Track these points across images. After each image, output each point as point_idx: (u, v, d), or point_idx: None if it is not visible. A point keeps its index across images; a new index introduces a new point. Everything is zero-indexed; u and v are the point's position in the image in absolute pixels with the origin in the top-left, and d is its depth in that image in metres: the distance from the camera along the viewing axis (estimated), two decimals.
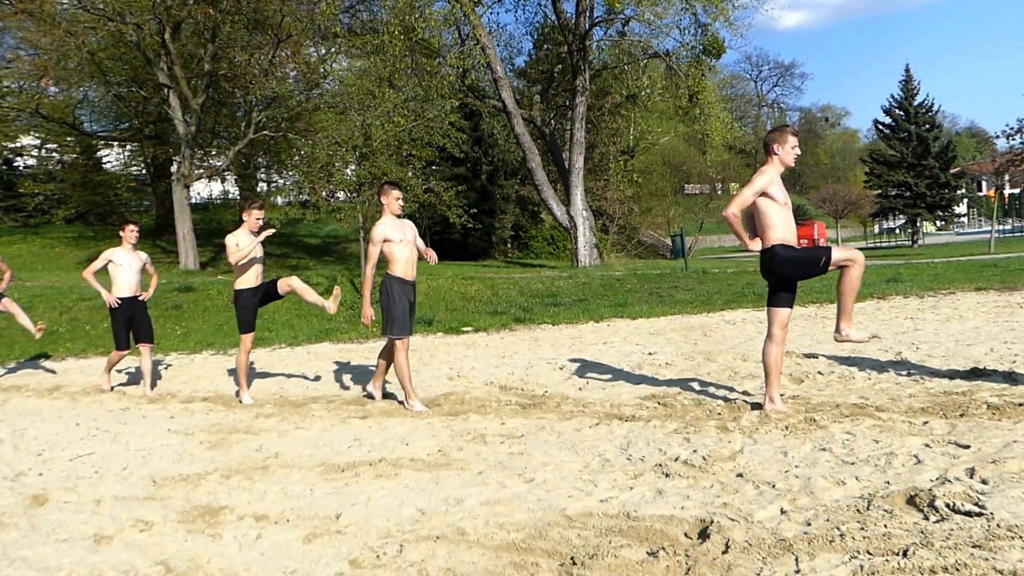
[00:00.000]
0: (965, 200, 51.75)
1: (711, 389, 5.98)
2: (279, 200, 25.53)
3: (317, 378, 7.85)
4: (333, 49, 25.23)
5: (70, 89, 26.31)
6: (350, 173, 16.87)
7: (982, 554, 2.55)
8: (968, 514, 2.93)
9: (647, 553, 2.86)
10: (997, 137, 29.24)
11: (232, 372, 8.25)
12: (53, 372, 9.43)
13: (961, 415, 4.48)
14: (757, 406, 5.15)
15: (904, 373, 5.99)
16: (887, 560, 2.58)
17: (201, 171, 24.97)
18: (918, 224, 41.76)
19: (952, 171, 42.32)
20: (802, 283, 5.40)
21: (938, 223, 46.95)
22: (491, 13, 27.24)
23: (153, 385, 7.76)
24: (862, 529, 2.88)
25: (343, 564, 2.99)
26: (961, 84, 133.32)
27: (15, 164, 33.44)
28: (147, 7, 19.93)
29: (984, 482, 3.28)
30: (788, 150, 4.89)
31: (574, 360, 7.90)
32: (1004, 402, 4.67)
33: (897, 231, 50.50)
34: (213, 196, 42.09)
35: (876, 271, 16.51)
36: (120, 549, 3.30)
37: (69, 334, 12.21)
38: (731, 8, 23.54)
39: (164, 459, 4.88)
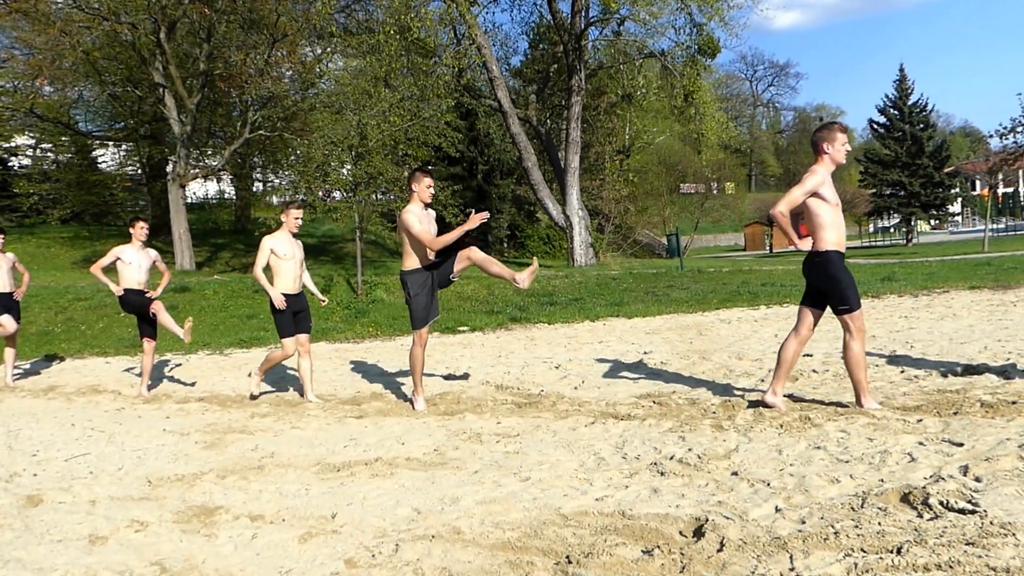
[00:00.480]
0: (959, 199, 51.85)
1: (706, 388, 5.99)
2: (275, 200, 25.48)
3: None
4: (329, 49, 25.19)
5: (65, 89, 26.22)
6: (346, 173, 16.83)
7: (975, 551, 2.56)
8: (962, 512, 2.94)
9: (642, 551, 2.87)
10: (991, 136, 29.28)
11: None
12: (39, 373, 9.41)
13: (955, 413, 4.49)
14: (753, 404, 5.16)
15: (898, 371, 6.01)
16: (881, 558, 2.59)
17: (197, 171, 24.89)
18: (912, 223, 41.82)
19: (946, 170, 42.38)
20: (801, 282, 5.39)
21: (932, 222, 46.99)
22: (487, 13, 27.21)
23: (150, 386, 7.75)
24: (856, 527, 2.89)
25: (338, 563, 2.99)
26: (955, 84, 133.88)
27: (10, 164, 33.30)
28: (142, 6, 19.87)
29: (977, 480, 3.29)
30: (838, 147, 4.77)
31: (570, 359, 7.91)
32: (998, 400, 4.69)
33: (892, 230, 50.61)
34: (209, 196, 41.99)
35: (871, 270, 16.56)
36: (115, 549, 3.29)
37: (65, 335, 12.19)
38: (726, 8, 23.61)
39: (160, 459, 4.88)
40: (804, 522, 3.01)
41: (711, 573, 2.64)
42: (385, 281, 16.22)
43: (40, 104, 25.27)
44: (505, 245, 36.88)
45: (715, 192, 52.52)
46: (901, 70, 42.01)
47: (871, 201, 43.80)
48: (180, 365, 9.53)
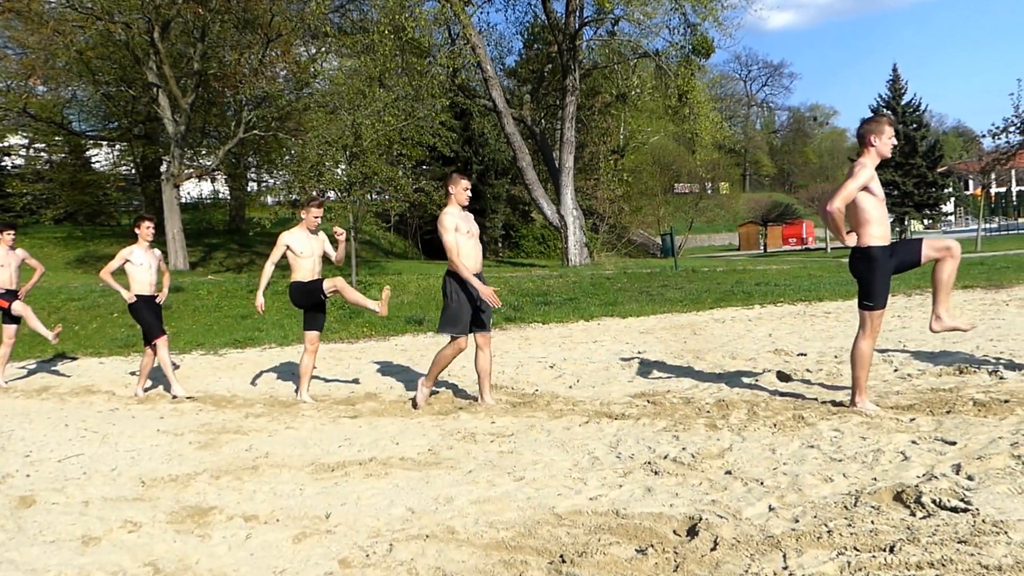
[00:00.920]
0: (952, 199, 52.07)
1: (700, 387, 6.00)
2: (269, 200, 25.44)
3: None
4: (323, 48, 25.18)
5: (58, 88, 26.16)
6: (340, 173, 16.82)
7: (968, 549, 2.58)
8: (954, 510, 2.96)
9: (636, 551, 2.87)
10: (983, 136, 29.48)
11: (221, 371, 8.21)
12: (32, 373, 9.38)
13: (948, 412, 4.51)
14: (750, 403, 5.17)
15: (892, 370, 6.03)
16: (874, 556, 2.61)
17: (191, 171, 24.87)
18: (906, 223, 41.98)
19: (939, 170, 42.55)
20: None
21: (925, 222, 47.19)
22: (481, 12, 27.30)
23: (146, 388, 7.72)
24: (849, 525, 2.90)
25: (333, 564, 2.99)
26: (948, 84, 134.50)
27: (3, 164, 33.19)
28: (136, 6, 19.83)
29: (970, 478, 3.31)
30: (885, 140, 4.73)
31: (564, 359, 7.91)
32: (990, 399, 4.71)
33: None
34: (203, 196, 41.95)
35: None
36: (108, 550, 3.28)
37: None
38: (720, 8, 23.69)
39: (153, 460, 4.86)
40: (797, 521, 3.02)
41: (705, 572, 2.65)
42: (380, 281, 16.20)
43: (33, 104, 25.19)
44: (500, 245, 36.89)
45: (709, 192, 52.66)
46: (894, 70, 42.22)
47: None
48: (177, 367, 9.49)
